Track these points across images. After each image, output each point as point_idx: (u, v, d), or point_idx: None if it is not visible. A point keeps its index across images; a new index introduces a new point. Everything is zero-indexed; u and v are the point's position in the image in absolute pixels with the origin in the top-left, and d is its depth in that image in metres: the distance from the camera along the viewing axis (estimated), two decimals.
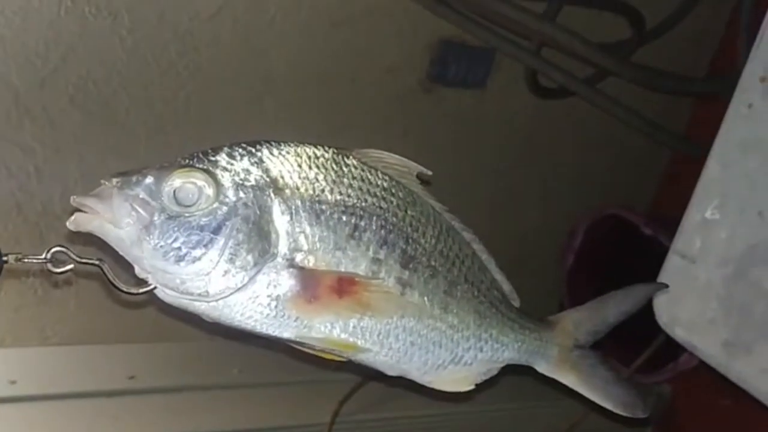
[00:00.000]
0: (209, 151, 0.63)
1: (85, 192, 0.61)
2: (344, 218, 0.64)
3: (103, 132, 1.22)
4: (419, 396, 1.27)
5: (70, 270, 0.64)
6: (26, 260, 0.63)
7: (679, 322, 1.05)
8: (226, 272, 0.61)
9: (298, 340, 0.65)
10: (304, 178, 0.64)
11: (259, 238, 0.62)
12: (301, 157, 0.65)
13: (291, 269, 0.63)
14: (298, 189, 0.63)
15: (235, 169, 0.63)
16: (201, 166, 0.62)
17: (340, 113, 1.41)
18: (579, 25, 1.39)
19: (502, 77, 1.54)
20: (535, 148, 1.67)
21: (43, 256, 0.63)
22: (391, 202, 0.67)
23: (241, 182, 0.62)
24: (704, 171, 1.03)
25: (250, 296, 0.62)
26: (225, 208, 0.61)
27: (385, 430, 1.39)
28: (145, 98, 1.23)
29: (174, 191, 0.61)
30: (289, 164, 0.64)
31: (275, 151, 0.64)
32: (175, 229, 0.60)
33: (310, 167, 0.64)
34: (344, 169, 0.66)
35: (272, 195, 0.63)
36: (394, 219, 0.67)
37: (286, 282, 0.63)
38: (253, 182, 0.63)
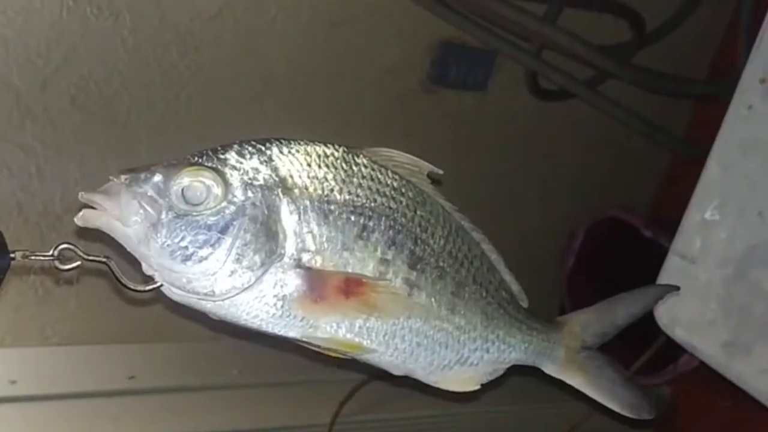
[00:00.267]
0: (219, 148, 0.63)
1: (88, 191, 0.61)
2: (353, 218, 0.64)
3: (104, 132, 1.22)
4: (420, 397, 1.27)
5: (77, 267, 0.64)
6: (34, 257, 0.63)
7: (679, 323, 1.05)
8: (232, 272, 0.61)
9: (303, 339, 0.65)
10: (313, 177, 0.64)
11: (266, 238, 0.61)
12: (310, 156, 0.64)
13: (298, 269, 0.62)
14: (306, 188, 0.63)
15: (244, 167, 0.62)
16: (210, 164, 0.62)
17: (341, 114, 1.41)
18: (579, 28, 1.39)
19: (502, 79, 1.54)
20: (535, 149, 1.67)
21: (51, 253, 0.63)
22: (401, 202, 0.67)
23: (249, 181, 0.62)
24: (704, 172, 1.04)
25: (256, 296, 0.62)
26: (233, 208, 0.61)
27: (385, 431, 1.39)
28: (147, 98, 1.23)
29: (182, 190, 0.60)
30: (298, 163, 0.64)
31: (285, 150, 0.64)
32: (183, 228, 0.60)
33: (319, 166, 0.64)
34: (354, 168, 0.65)
35: (281, 195, 0.62)
36: (403, 219, 0.66)
37: (293, 282, 0.63)
38: (262, 181, 0.62)
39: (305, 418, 1.32)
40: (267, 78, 1.32)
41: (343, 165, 0.65)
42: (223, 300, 0.62)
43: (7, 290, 1.23)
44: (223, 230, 0.61)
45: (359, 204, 0.65)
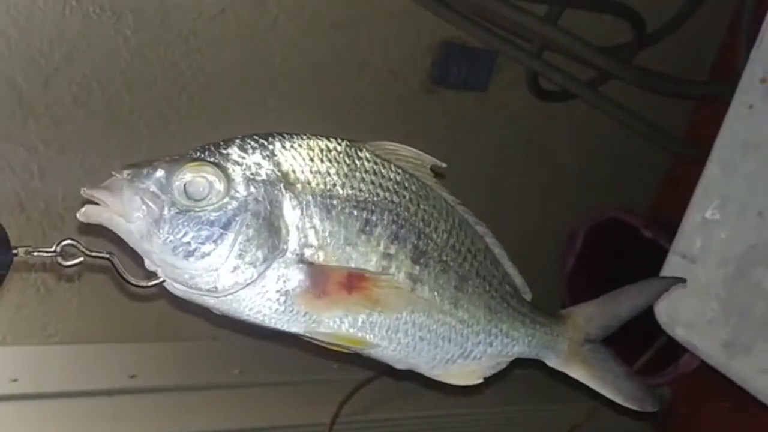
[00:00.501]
0: (221, 143, 0.63)
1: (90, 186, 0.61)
2: (355, 213, 0.64)
3: (107, 131, 1.22)
4: (420, 397, 1.27)
5: (80, 263, 0.64)
6: (36, 253, 0.63)
7: (679, 322, 1.05)
8: (235, 268, 0.61)
9: (306, 334, 0.65)
10: (315, 172, 0.64)
11: (269, 233, 0.61)
12: (313, 151, 0.64)
13: (301, 265, 0.62)
14: (309, 183, 0.63)
15: (247, 162, 0.62)
16: (212, 159, 0.62)
17: (342, 114, 1.41)
18: (580, 28, 1.40)
19: (503, 79, 1.54)
20: (536, 150, 1.67)
21: (53, 249, 0.63)
22: (404, 196, 0.67)
23: (252, 177, 0.62)
24: (705, 172, 1.04)
25: (259, 291, 0.62)
26: (235, 203, 0.61)
27: (385, 431, 1.39)
28: (149, 98, 1.23)
29: (184, 185, 0.60)
30: (301, 158, 0.64)
31: (287, 144, 0.64)
32: (185, 223, 0.60)
33: (322, 161, 0.64)
34: (357, 162, 0.65)
35: (283, 190, 0.63)
36: (406, 213, 0.66)
37: (296, 277, 0.63)
38: (264, 177, 0.62)
39: (305, 418, 1.32)
40: (268, 78, 1.33)
41: (346, 159, 0.65)
42: (225, 296, 0.62)
43: (8, 288, 1.23)
44: (226, 226, 0.61)
45: (362, 198, 0.65)
